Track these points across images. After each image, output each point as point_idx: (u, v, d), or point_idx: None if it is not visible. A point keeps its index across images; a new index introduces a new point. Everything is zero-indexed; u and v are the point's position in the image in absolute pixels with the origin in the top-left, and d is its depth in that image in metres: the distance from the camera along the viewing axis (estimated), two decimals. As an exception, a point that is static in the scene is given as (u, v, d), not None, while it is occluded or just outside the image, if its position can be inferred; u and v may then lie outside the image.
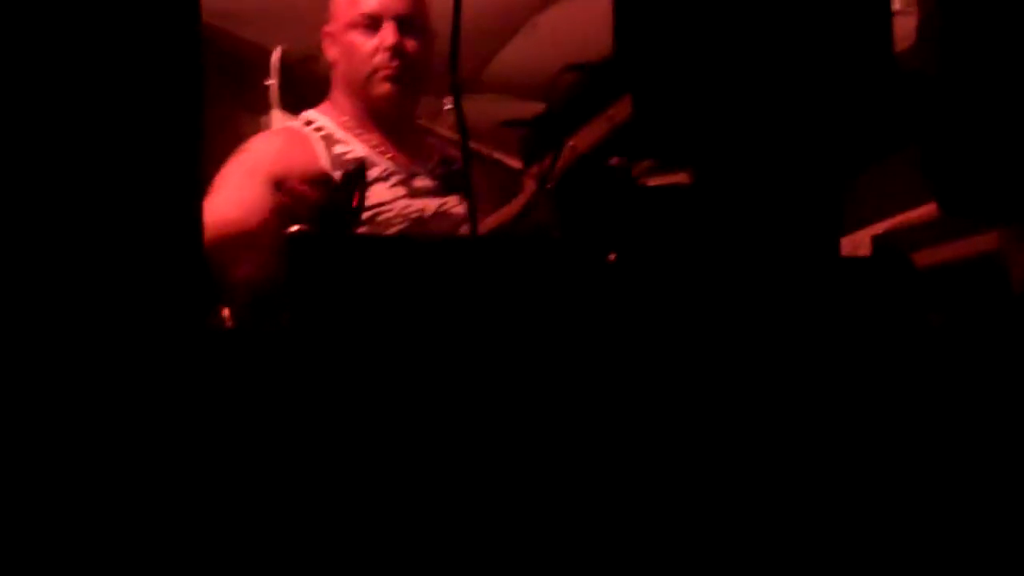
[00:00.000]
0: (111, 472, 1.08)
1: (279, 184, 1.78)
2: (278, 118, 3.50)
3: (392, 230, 2.31)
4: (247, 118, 3.49)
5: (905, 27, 1.64)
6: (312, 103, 2.74)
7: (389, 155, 2.40)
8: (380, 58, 2.38)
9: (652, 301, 1.28)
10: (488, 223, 1.68)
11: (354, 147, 2.39)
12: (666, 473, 1.23)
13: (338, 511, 1.15)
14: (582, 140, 1.38)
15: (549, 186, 1.39)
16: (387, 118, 2.43)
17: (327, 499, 1.15)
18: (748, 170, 1.40)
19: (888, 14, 1.45)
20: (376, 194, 2.34)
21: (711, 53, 1.31)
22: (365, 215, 2.29)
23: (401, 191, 2.37)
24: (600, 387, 1.22)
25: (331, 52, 2.48)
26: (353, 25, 2.41)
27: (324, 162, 2.37)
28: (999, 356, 1.41)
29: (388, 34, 2.38)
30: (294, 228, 1.18)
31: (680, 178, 1.56)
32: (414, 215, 2.34)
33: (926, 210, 1.72)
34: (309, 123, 2.46)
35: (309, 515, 1.14)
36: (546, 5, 3.46)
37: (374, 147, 2.41)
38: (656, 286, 1.30)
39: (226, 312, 1.80)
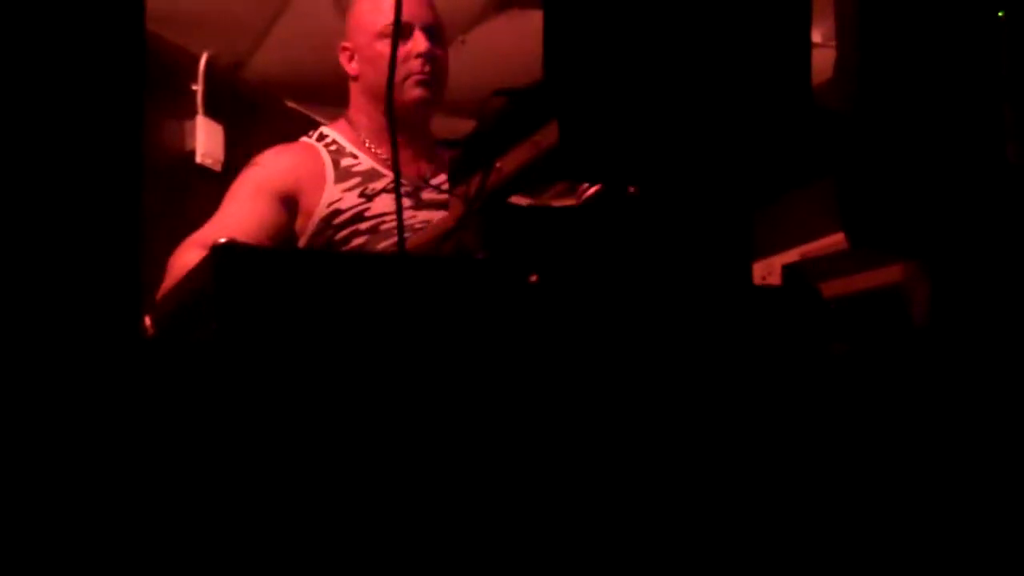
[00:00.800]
0: (30, 478, 1.09)
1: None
2: (202, 124, 3.51)
3: (393, 239, 2.35)
4: (171, 123, 3.48)
5: (825, 60, 1.69)
6: (236, 110, 2.75)
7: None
8: (414, 64, 2.45)
9: (571, 323, 1.32)
10: (414, 241, 1.71)
11: (362, 160, 2.45)
12: (583, 493, 1.26)
13: (258, 520, 1.16)
14: (509, 163, 1.41)
15: (475, 207, 1.42)
16: (405, 129, 2.46)
17: (246, 508, 1.16)
18: (667, 195, 1.45)
19: (807, 46, 1.50)
20: (381, 204, 2.38)
21: (636, 81, 1.36)
22: (368, 224, 2.36)
23: (407, 202, 2.40)
24: (518, 407, 1.25)
25: (352, 67, 2.52)
26: (382, 35, 2.47)
27: (330, 175, 2.41)
28: (898, 387, 1.47)
29: (420, 41, 2.45)
30: (222, 240, 1.20)
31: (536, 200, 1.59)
32: (418, 226, 2.37)
33: (834, 240, 1.78)
34: (322, 137, 2.50)
35: (231, 523, 1.16)
36: (475, 23, 3.49)
37: (383, 160, 2.45)
38: (576, 309, 1.33)
39: (147, 320, 1.81)
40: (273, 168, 2.47)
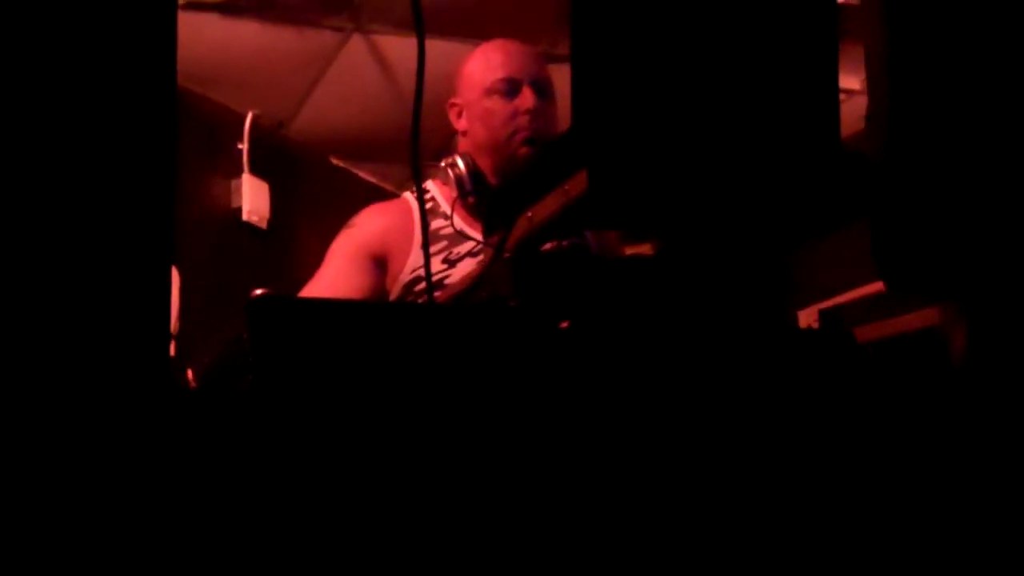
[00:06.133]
0: (69, 529, 1.10)
1: None
2: (248, 182, 3.57)
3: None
4: (217, 181, 3.54)
5: (862, 107, 1.70)
6: (281, 168, 2.80)
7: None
8: (521, 120, 2.44)
9: (604, 369, 1.32)
10: (451, 292, 1.73)
11: (453, 222, 2.39)
12: (618, 538, 1.26)
13: (296, 567, 1.17)
14: (539, 211, 1.43)
15: (506, 255, 1.43)
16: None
17: (285, 558, 1.17)
18: (698, 241, 1.45)
19: (835, 90, 1.51)
20: (462, 271, 2.36)
21: (664, 128, 1.37)
22: (447, 293, 2.32)
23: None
24: (552, 451, 1.26)
25: (460, 123, 2.54)
26: (491, 91, 2.47)
27: (417, 238, 2.44)
28: (939, 427, 1.46)
29: (528, 97, 2.44)
30: (257, 292, 1.22)
31: (644, 248, 1.61)
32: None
33: (872, 287, 1.78)
34: (426, 192, 2.51)
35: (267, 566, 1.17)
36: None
37: (473, 220, 2.44)
38: (609, 355, 1.34)
39: (189, 373, 1.84)
40: (366, 230, 2.49)
